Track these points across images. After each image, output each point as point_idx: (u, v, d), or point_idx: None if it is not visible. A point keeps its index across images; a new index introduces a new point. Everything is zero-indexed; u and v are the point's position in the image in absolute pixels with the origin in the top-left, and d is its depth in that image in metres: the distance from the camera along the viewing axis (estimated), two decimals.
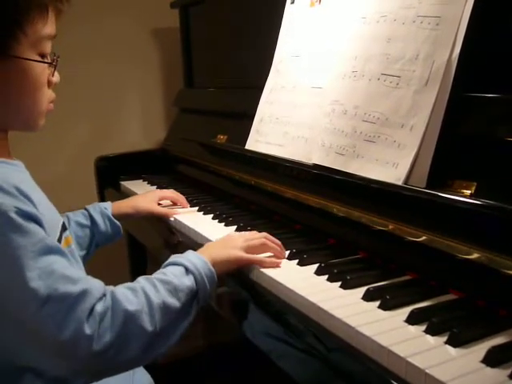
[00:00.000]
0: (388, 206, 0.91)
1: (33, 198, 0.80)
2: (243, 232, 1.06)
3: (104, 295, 0.77)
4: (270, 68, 1.37)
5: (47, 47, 0.87)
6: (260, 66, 1.40)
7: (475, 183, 0.82)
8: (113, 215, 1.23)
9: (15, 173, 0.83)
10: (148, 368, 1.15)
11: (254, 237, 1.00)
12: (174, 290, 0.82)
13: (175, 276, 0.84)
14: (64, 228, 0.95)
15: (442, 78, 0.88)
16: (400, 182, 0.90)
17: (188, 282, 0.84)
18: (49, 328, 0.72)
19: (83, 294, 0.74)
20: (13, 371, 0.81)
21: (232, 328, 1.11)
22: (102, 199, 1.81)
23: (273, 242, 0.99)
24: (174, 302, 0.81)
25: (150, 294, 0.79)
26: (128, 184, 1.75)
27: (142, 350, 0.77)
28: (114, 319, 0.75)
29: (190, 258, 0.88)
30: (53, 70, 0.89)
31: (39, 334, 0.73)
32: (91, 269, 1.02)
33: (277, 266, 0.95)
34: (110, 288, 0.79)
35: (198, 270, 0.86)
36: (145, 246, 1.69)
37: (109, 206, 1.25)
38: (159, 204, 1.36)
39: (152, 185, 1.70)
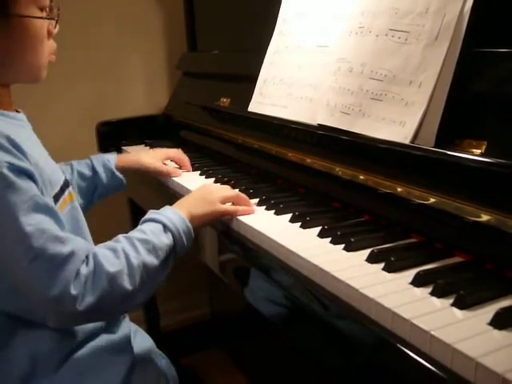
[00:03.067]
0: (394, 166, 0.88)
1: (28, 150, 0.81)
2: (215, 185, 1.11)
3: (87, 257, 0.79)
4: (274, 30, 1.32)
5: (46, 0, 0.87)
6: (264, 28, 1.35)
7: (485, 142, 0.79)
8: (116, 167, 1.23)
9: (11, 126, 0.84)
10: (151, 333, 1.15)
11: (228, 191, 1.03)
12: (152, 249, 0.84)
13: (154, 234, 0.86)
14: (66, 185, 0.95)
15: (452, 33, 0.84)
16: (407, 141, 0.86)
17: (166, 239, 0.86)
18: (38, 283, 0.76)
19: (71, 255, 0.77)
20: (6, 326, 0.86)
21: (235, 296, 1.10)
22: None
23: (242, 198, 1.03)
24: (152, 261, 0.84)
25: (130, 254, 0.81)
26: (130, 149, 1.72)
27: (120, 306, 0.82)
28: (96, 281, 0.77)
29: (167, 215, 0.90)
30: (54, 22, 0.89)
31: (30, 287, 0.77)
32: (94, 236, 1.01)
33: (250, 212, 0.99)
34: (92, 249, 0.81)
35: (176, 227, 0.88)
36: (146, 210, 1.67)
37: (112, 159, 1.26)
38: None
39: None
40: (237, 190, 1.05)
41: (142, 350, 1.04)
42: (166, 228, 0.88)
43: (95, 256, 0.79)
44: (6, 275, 0.81)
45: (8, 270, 0.79)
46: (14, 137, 0.79)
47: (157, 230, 0.87)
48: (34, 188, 0.79)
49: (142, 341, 1.08)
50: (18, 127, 0.87)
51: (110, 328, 0.98)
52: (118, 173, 1.24)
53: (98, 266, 0.78)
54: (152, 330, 1.95)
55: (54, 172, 0.92)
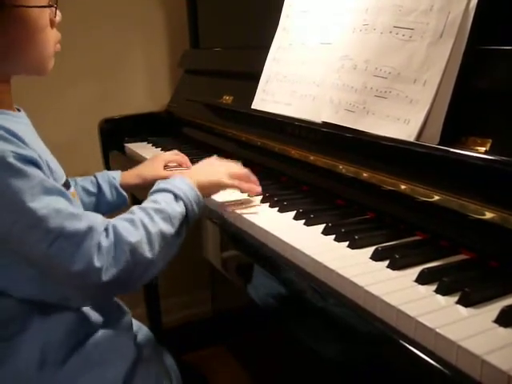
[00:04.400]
0: (399, 164, 0.88)
1: (33, 146, 0.81)
2: (225, 161, 1.11)
3: (106, 229, 0.81)
4: (277, 26, 1.32)
5: None
6: (267, 25, 1.35)
7: (490, 140, 0.78)
8: (120, 185, 1.22)
9: (12, 123, 0.83)
10: (153, 330, 1.15)
11: (235, 166, 1.07)
12: (168, 218, 0.88)
13: (167, 203, 0.89)
14: (68, 184, 0.94)
15: (457, 30, 0.84)
16: (412, 139, 0.86)
17: (179, 208, 0.90)
18: (62, 262, 0.77)
19: (90, 230, 0.79)
20: (18, 317, 0.87)
21: (237, 292, 1.10)
22: (107, 162, 1.80)
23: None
24: (168, 229, 0.87)
25: (147, 224, 0.84)
26: (133, 146, 1.72)
27: (142, 274, 0.85)
28: (118, 252, 0.80)
29: (177, 184, 0.94)
30: (54, 10, 0.87)
31: (53, 268, 0.79)
32: None
33: (256, 190, 1.05)
34: (111, 221, 0.84)
35: (186, 196, 0.92)
36: None
37: (117, 176, 1.24)
38: (166, 167, 1.33)
39: (157, 147, 1.68)
40: (247, 170, 1.07)
41: (145, 347, 1.04)
42: (177, 197, 0.91)
43: (115, 228, 0.82)
44: (25, 262, 0.82)
45: (27, 257, 0.80)
46: (17, 131, 0.79)
47: (169, 200, 0.90)
48: (40, 174, 0.79)
49: (145, 337, 1.08)
50: (19, 124, 0.87)
51: (113, 325, 0.98)
52: (122, 190, 1.22)
53: (118, 236, 0.81)
54: (154, 326, 1.95)
55: (57, 168, 0.92)
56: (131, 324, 1.03)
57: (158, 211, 0.87)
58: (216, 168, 1.04)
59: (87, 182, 1.20)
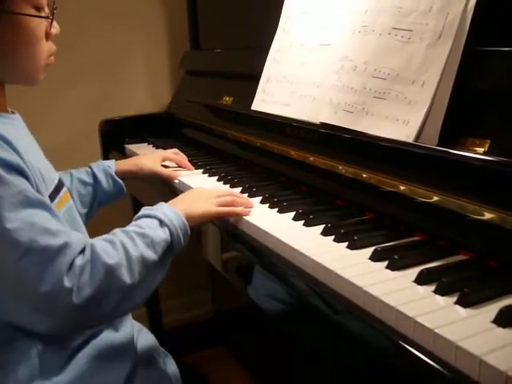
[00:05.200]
0: (397, 164, 0.88)
1: (21, 149, 0.79)
2: (209, 188, 1.06)
3: (84, 249, 0.77)
4: (277, 27, 1.32)
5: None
6: (267, 27, 1.35)
7: (489, 141, 0.79)
8: (116, 173, 1.23)
9: (4, 125, 0.82)
10: (153, 331, 1.15)
11: (224, 193, 1.01)
12: (150, 243, 0.83)
13: (151, 229, 0.85)
14: (61, 185, 0.94)
15: (456, 32, 0.84)
16: (410, 140, 0.86)
17: (163, 234, 0.85)
18: (29, 280, 0.72)
19: (63, 247, 0.74)
20: (10, 328, 0.82)
21: (238, 294, 1.10)
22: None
23: (239, 198, 1.02)
24: (151, 255, 0.82)
25: (128, 247, 0.80)
26: (133, 147, 1.72)
27: (119, 302, 0.79)
28: (93, 273, 0.75)
29: (163, 210, 0.89)
30: (50, 22, 0.87)
31: (21, 287, 0.74)
32: (96, 233, 1.01)
33: (247, 214, 0.98)
34: (89, 241, 0.79)
35: (172, 223, 0.87)
36: None
37: (112, 165, 1.25)
38: (163, 166, 1.34)
39: (157, 148, 1.68)
40: (232, 191, 1.05)
41: (146, 349, 1.04)
42: (162, 223, 0.86)
43: (93, 247, 0.78)
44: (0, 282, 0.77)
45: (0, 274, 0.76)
46: (6, 134, 0.77)
47: (153, 225, 0.86)
48: (25, 183, 0.76)
49: (146, 339, 1.08)
50: (12, 126, 0.86)
51: (113, 326, 0.98)
52: (118, 178, 1.23)
53: (95, 257, 0.76)
54: (154, 328, 1.95)
55: (48, 171, 0.91)
56: (131, 325, 1.03)
57: (141, 235, 0.83)
58: (204, 198, 0.98)
59: (83, 174, 1.21)
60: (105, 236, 0.83)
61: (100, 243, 0.79)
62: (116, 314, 0.85)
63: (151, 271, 0.83)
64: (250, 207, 1.01)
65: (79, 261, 0.75)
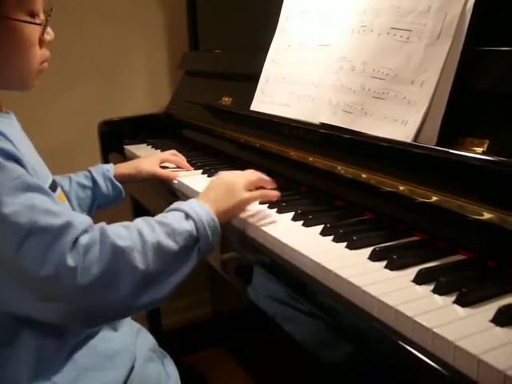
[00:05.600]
0: (397, 164, 0.88)
1: (16, 145, 0.78)
2: (232, 173, 1.03)
3: (91, 229, 0.75)
4: (276, 28, 1.32)
5: (36, 5, 0.85)
6: (266, 27, 1.35)
7: (487, 141, 0.79)
8: (115, 177, 1.23)
9: (2, 124, 0.81)
10: (152, 332, 1.15)
11: (248, 175, 1.00)
12: (171, 232, 0.80)
13: (175, 220, 0.82)
14: (55, 185, 0.94)
15: (454, 31, 0.84)
16: (409, 140, 0.86)
17: (188, 226, 0.82)
18: (31, 264, 0.70)
19: (65, 226, 0.72)
20: (11, 326, 0.81)
21: (237, 294, 1.10)
22: (106, 163, 1.79)
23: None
24: (170, 244, 0.79)
25: (144, 232, 0.77)
26: (132, 148, 1.73)
27: (132, 289, 0.75)
28: (101, 252, 0.73)
29: (191, 205, 0.87)
30: (43, 28, 0.87)
31: (23, 273, 0.71)
32: None
33: (277, 195, 0.99)
34: (101, 224, 0.77)
35: (199, 217, 0.84)
36: (150, 210, 1.68)
37: (111, 168, 1.25)
38: (162, 167, 1.34)
39: (156, 149, 1.68)
40: (258, 173, 1.02)
41: (145, 349, 1.04)
42: (188, 216, 0.84)
43: (102, 228, 0.75)
44: (2, 272, 0.74)
45: (1, 263, 0.73)
46: (2, 129, 0.77)
47: (178, 217, 0.83)
48: (21, 169, 0.75)
49: (145, 339, 1.08)
50: (7, 125, 0.85)
51: (112, 326, 0.98)
52: (117, 182, 1.23)
53: (104, 237, 0.74)
54: (154, 328, 1.95)
55: (42, 170, 0.91)
56: (130, 326, 1.03)
57: (162, 224, 0.80)
58: (234, 187, 0.94)
59: (81, 177, 1.21)
60: (122, 222, 0.80)
61: (113, 226, 0.77)
62: (135, 306, 0.78)
63: (171, 262, 0.79)
64: (275, 193, 1.00)
65: (84, 240, 0.72)
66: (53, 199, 0.76)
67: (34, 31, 0.85)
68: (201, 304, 2.25)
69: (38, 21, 0.85)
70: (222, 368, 1.98)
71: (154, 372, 1.02)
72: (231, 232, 0.99)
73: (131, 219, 0.89)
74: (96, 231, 0.75)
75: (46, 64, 0.91)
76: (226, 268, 1.05)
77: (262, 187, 1.01)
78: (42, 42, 0.88)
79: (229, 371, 1.96)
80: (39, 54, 0.88)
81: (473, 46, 0.83)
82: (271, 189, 1.02)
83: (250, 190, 0.97)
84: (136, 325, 1.09)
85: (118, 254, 0.73)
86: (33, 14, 0.84)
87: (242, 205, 0.95)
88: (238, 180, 0.97)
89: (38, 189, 0.74)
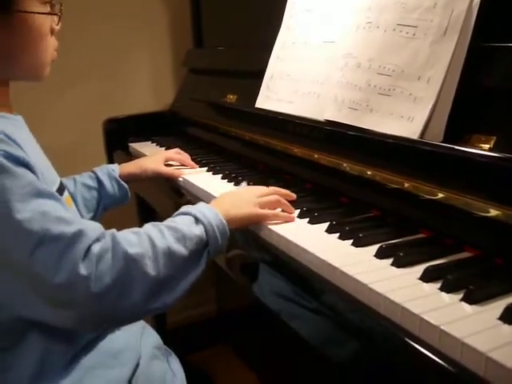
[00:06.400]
0: (403, 161, 0.88)
1: (25, 149, 0.78)
2: (253, 186, 1.04)
3: (102, 237, 0.75)
4: (280, 25, 1.32)
5: None
6: (270, 24, 1.35)
7: (494, 137, 0.78)
8: (120, 176, 1.22)
9: (7, 125, 0.81)
10: (157, 330, 1.15)
11: (267, 192, 0.97)
12: (181, 238, 0.79)
13: (184, 224, 0.82)
14: (62, 188, 0.93)
15: (461, 27, 0.84)
16: (415, 137, 0.86)
17: (197, 231, 0.82)
18: (44, 271, 0.70)
19: (78, 234, 0.72)
20: (18, 330, 0.81)
21: (242, 292, 1.10)
22: (111, 162, 1.80)
23: (283, 195, 0.99)
24: (180, 249, 0.78)
25: (154, 238, 0.77)
26: (137, 146, 1.72)
27: (145, 296, 0.75)
28: (113, 261, 0.73)
29: (200, 208, 0.86)
30: (56, 18, 0.88)
31: (36, 279, 0.71)
32: None
33: (291, 220, 0.94)
34: (111, 230, 0.77)
35: (209, 221, 0.83)
36: (155, 208, 1.68)
37: (116, 168, 1.24)
38: (166, 165, 1.34)
39: (161, 146, 1.68)
40: (278, 189, 1.00)
41: (150, 347, 1.04)
42: (197, 220, 0.83)
43: (113, 236, 0.75)
44: (14, 277, 0.74)
45: (14, 269, 0.73)
46: (10, 134, 0.77)
47: (188, 221, 0.83)
48: (32, 176, 0.75)
49: (150, 337, 1.07)
50: (15, 127, 0.85)
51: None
52: (122, 182, 1.23)
53: (115, 245, 0.74)
54: (159, 326, 1.95)
55: (49, 173, 0.91)
56: (135, 324, 1.03)
57: (172, 229, 0.80)
58: (249, 198, 0.94)
59: (86, 178, 1.20)
60: (132, 228, 0.80)
61: (123, 233, 0.77)
62: (146, 311, 0.79)
63: (181, 268, 0.79)
64: (292, 211, 0.97)
65: (96, 248, 0.72)
66: (63, 205, 0.77)
67: (45, 21, 0.86)
68: (206, 302, 2.25)
69: (48, 9, 0.86)
70: (227, 365, 1.98)
71: (159, 370, 1.02)
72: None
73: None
74: (107, 239, 0.75)
75: (55, 53, 0.92)
76: (232, 265, 1.05)
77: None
78: (52, 31, 0.89)
79: (233, 369, 1.97)
80: (52, 42, 0.89)
81: (479, 42, 0.83)
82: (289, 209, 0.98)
83: (270, 208, 0.96)
84: (141, 323, 1.09)
85: (130, 262, 0.73)
86: (43, 3, 0.85)
87: (253, 218, 0.93)
88: (251, 193, 0.97)
89: (48, 195, 0.75)
